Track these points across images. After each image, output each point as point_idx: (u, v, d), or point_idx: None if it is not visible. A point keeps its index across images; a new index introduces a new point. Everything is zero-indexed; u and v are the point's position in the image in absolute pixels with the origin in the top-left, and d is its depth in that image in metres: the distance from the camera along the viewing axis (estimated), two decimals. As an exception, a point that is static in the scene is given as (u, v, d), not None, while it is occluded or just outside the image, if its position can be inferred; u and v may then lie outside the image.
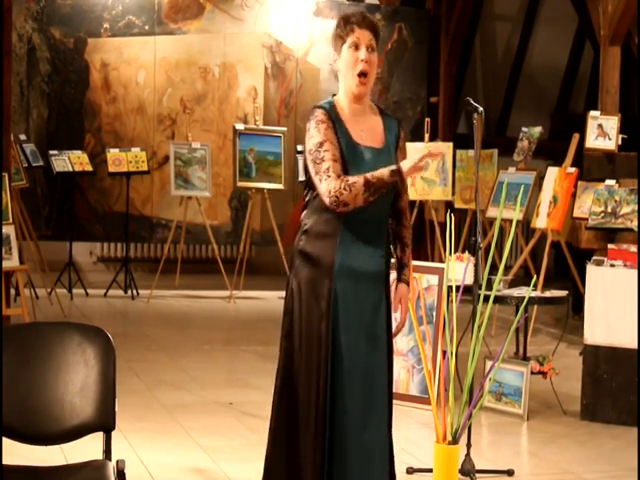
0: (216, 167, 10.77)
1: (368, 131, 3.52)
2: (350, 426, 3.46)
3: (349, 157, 3.44)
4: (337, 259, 3.43)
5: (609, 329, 5.96)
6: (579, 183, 8.69)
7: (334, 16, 11.48)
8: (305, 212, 3.53)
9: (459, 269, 5.83)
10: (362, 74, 3.44)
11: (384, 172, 3.37)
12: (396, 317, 3.70)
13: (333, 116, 3.46)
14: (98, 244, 11.77)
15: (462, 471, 4.73)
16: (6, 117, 7.67)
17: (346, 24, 3.45)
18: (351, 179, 3.37)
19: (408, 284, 3.68)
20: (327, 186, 3.38)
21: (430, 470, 4.57)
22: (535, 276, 4.97)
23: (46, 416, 3.25)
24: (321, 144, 3.42)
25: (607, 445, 5.62)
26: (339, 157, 3.42)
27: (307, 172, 3.51)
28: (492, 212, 9.38)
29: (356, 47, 3.44)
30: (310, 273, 3.46)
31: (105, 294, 10.13)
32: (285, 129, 10.55)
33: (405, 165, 3.39)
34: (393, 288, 3.67)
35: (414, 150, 10.43)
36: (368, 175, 3.37)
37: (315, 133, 3.44)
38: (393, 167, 3.38)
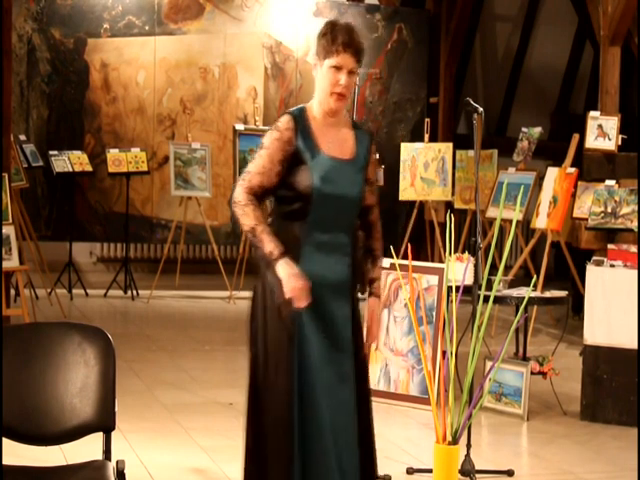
0: (216, 167, 10.77)
1: (338, 142, 3.48)
2: (319, 437, 3.37)
3: (313, 165, 3.39)
4: (300, 266, 3.38)
5: (609, 329, 5.96)
6: (579, 183, 8.69)
7: (334, 16, 11.47)
8: (270, 219, 3.49)
9: (459, 269, 5.83)
10: (339, 94, 3.43)
11: (269, 245, 3.32)
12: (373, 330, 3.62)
13: (300, 124, 3.42)
14: (98, 244, 11.77)
15: (462, 471, 4.73)
16: (6, 117, 7.67)
17: (333, 42, 3.41)
18: (248, 209, 3.35)
19: (379, 297, 3.61)
20: (236, 190, 3.40)
21: (430, 470, 4.57)
22: (535, 276, 4.97)
23: (46, 416, 3.25)
24: (262, 148, 3.42)
25: (607, 445, 5.62)
26: (269, 171, 3.39)
27: None
28: (492, 212, 9.38)
29: (337, 69, 3.42)
30: (274, 279, 3.40)
31: (105, 294, 10.13)
32: (285, 129, 10.54)
33: (281, 266, 3.32)
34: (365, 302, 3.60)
35: (413, 150, 10.44)
36: (259, 228, 3.33)
37: (266, 137, 3.43)
38: (276, 252, 3.31)
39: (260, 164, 3.42)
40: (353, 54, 3.42)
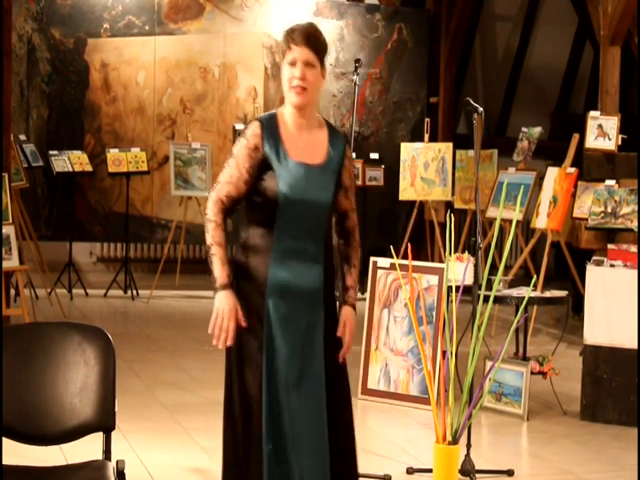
0: (216, 167, 10.74)
1: (309, 146, 3.46)
2: (287, 443, 3.35)
3: (280, 171, 3.38)
4: (270, 274, 3.37)
5: (609, 329, 5.96)
6: (579, 183, 8.69)
7: (334, 16, 11.50)
8: (241, 225, 3.49)
9: (459, 269, 5.83)
10: (297, 87, 3.44)
11: (216, 270, 3.36)
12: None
13: (268, 130, 3.42)
14: (98, 244, 11.77)
15: (462, 471, 4.73)
16: (6, 117, 7.67)
17: (286, 40, 3.46)
18: (210, 226, 3.39)
19: (354, 307, 3.56)
20: (208, 201, 3.47)
21: (430, 470, 4.57)
22: (535, 276, 4.96)
23: (46, 416, 3.25)
24: (232, 157, 3.43)
25: (607, 445, 5.62)
26: (237, 179, 3.40)
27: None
28: (492, 212, 9.38)
29: (293, 64, 3.44)
30: (244, 287, 3.41)
31: (105, 294, 10.13)
32: (285, 129, 10.54)
33: (219, 296, 3.36)
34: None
35: (413, 150, 10.44)
36: (212, 249, 3.37)
37: (236, 146, 3.45)
38: (219, 280, 3.36)
39: (228, 174, 3.42)
40: (306, 46, 3.43)
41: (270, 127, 3.44)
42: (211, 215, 3.42)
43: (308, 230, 3.41)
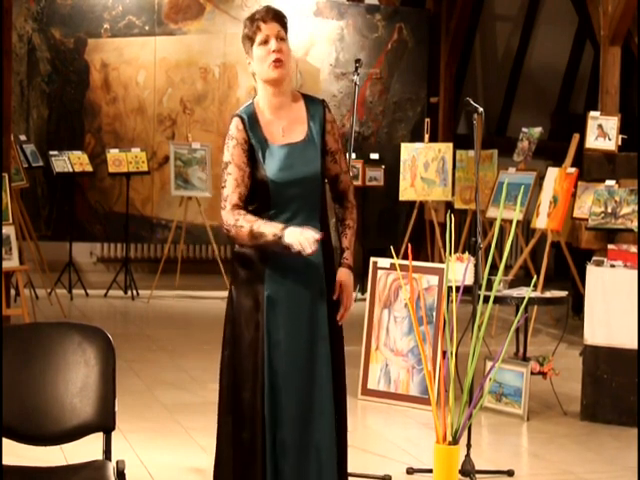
0: (216, 168, 10.73)
1: (290, 127, 3.48)
2: (291, 427, 3.39)
3: (266, 160, 3.41)
4: (269, 259, 3.40)
5: (609, 329, 5.96)
6: (579, 183, 8.69)
7: (334, 16, 11.49)
8: None
9: (459, 269, 5.83)
10: (276, 61, 3.44)
11: (269, 231, 3.30)
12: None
13: (249, 123, 3.44)
14: (98, 244, 11.76)
15: (462, 471, 4.73)
16: (6, 117, 7.67)
17: (252, 23, 3.52)
18: (241, 221, 3.34)
19: (350, 268, 3.55)
20: (223, 216, 3.40)
21: (430, 470, 4.57)
22: (535, 276, 4.96)
23: (46, 416, 3.25)
24: (227, 164, 3.43)
25: (607, 445, 5.62)
26: (242, 179, 3.40)
27: None
28: (492, 212, 9.38)
29: (266, 42, 3.48)
30: (245, 276, 3.44)
31: (105, 294, 10.13)
32: (285, 129, 10.54)
33: (288, 236, 3.28)
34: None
35: (413, 150, 10.44)
36: (255, 226, 3.32)
37: (226, 149, 3.45)
38: (278, 231, 3.30)
39: (232, 179, 3.41)
40: (274, 21, 3.50)
41: (250, 118, 3.47)
42: (234, 217, 3.37)
43: (303, 208, 3.43)
